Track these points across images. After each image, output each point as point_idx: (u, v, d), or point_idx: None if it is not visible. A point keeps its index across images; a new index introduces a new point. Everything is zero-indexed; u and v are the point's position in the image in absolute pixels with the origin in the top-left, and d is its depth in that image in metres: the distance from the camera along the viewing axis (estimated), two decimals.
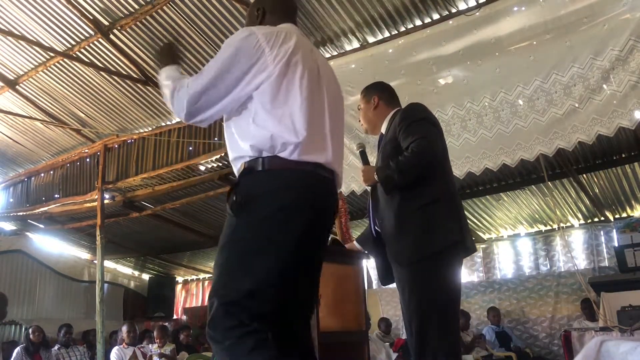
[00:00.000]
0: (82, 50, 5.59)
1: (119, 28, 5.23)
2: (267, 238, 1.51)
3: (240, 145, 1.60)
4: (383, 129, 2.45)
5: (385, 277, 2.40)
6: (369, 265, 7.25)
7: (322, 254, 1.72)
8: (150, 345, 6.03)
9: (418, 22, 4.37)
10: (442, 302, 2.09)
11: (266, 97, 1.58)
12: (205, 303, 10.38)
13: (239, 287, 1.48)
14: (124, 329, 5.98)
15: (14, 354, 5.65)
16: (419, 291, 2.12)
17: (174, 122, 6.35)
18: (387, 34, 4.56)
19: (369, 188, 2.45)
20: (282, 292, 1.52)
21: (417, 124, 2.23)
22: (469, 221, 7.32)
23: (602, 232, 7.13)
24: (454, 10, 4.15)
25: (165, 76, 1.72)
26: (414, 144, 2.15)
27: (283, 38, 1.63)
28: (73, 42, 5.53)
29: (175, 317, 10.34)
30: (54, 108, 6.56)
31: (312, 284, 1.70)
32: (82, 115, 6.59)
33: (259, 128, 1.56)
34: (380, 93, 2.52)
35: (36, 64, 5.90)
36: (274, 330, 1.47)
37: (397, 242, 2.22)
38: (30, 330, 5.86)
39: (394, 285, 2.35)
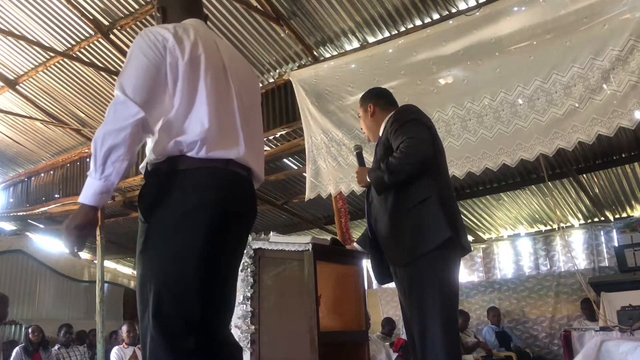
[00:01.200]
0: (82, 50, 5.59)
1: (119, 28, 5.23)
2: (179, 245, 1.45)
3: (149, 149, 1.55)
4: (381, 133, 2.48)
5: (381, 277, 2.43)
6: (369, 265, 7.24)
7: (240, 256, 1.68)
8: None
9: (418, 22, 4.37)
10: (441, 300, 2.09)
11: (172, 95, 1.51)
12: None
13: (163, 299, 1.43)
14: (124, 328, 5.97)
15: (13, 354, 5.64)
16: (417, 291, 2.13)
17: None
18: (387, 34, 4.56)
19: (363, 189, 2.48)
20: (200, 298, 1.45)
21: (406, 125, 2.24)
22: (469, 221, 7.37)
23: (602, 232, 7.13)
24: (454, 10, 4.16)
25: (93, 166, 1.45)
26: (402, 145, 2.17)
27: (182, 33, 1.57)
28: (73, 42, 5.54)
29: None
30: (54, 108, 6.56)
31: (230, 289, 1.62)
32: (82, 115, 6.59)
33: (163, 128, 1.51)
34: (375, 100, 2.54)
35: (36, 64, 5.90)
36: (197, 338, 1.43)
37: (391, 244, 2.24)
38: (29, 330, 5.85)
39: (393, 285, 2.37)
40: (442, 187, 2.26)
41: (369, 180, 2.30)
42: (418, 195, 2.17)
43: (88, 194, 1.41)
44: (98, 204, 1.42)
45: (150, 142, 1.57)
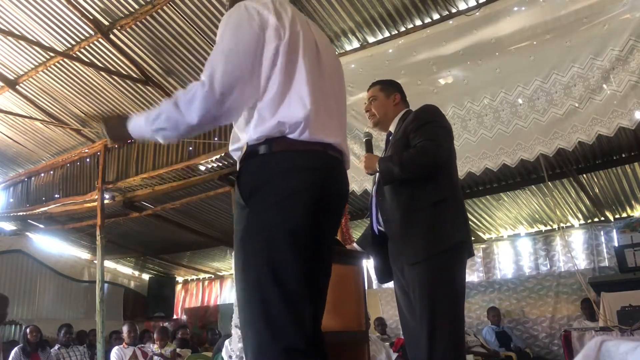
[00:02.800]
0: (82, 50, 5.59)
1: (119, 28, 5.23)
2: (284, 227, 1.38)
3: (244, 129, 1.47)
4: (392, 128, 2.47)
5: (383, 276, 2.42)
6: (369, 265, 7.25)
7: (332, 242, 1.63)
8: (151, 345, 6.04)
9: (418, 22, 4.37)
10: (451, 301, 2.11)
11: (276, 74, 1.44)
12: (205, 303, 10.48)
13: (274, 296, 1.35)
14: (125, 328, 5.97)
15: (12, 355, 5.64)
16: (428, 290, 2.11)
17: None
18: (387, 34, 4.56)
19: (369, 188, 2.46)
20: (306, 287, 1.39)
21: (428, 126, 2.25)
22: (469, 221, 7.38)
23: (602, 232, 7.13)
24: (454, 10, 4.15)
25: (140, 121, 1.51)
26: (421, 144, 2.18)
27: (279, 7, 1.49)
28: (73, 42, 5.53)
29: (175, 317, 10.35)
30: (54, 108, 6.56)
31: (326, 276, 1.58)
32: (82, 115, 6.58)
33: (260, 109, 1.44)
34: (400, 92, 2.56)
35: (36, 64, 5.90)
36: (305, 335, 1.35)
37: (406, 240, 2.21)
38: (27, 330, 5.85)
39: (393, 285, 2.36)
40: (455, 187, 2.29)
41: (376, 168, 2.28)
42: (436, 194, 2.18)
43: (135, 128, 1.52)
44: (133, 137, 1.56)
45: (242, 123, 1.48)
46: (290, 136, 1.42)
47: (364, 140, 2.59)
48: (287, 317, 1.34)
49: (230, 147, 1.56)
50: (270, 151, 1.42)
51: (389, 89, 2.56)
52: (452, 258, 2.14)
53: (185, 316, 10.47)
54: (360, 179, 4.45)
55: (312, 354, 1.35)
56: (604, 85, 3.46)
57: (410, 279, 2.20)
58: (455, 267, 2.16)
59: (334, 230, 1.63)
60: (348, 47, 4.77)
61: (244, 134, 1.47)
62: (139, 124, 1.51)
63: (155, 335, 6.09)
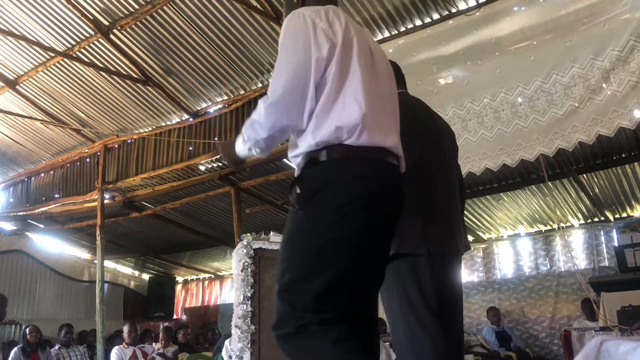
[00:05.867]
0: (82, 50, 5.59)
1: (119, 28, 5.23)
2: (336, 233, 1.41)
3: (302, 136, 1.50)
4: None
5: None
6: None
7: (389, 249, 1.62)
8: (153, 345, 6.04)
9: (418, 22, 4.37)
10: (407, 302, 1.97)
11: (330, 78, 1.47)
12: (205, 303, 10.48)
13: (308, 289, 1.39)
14: (126, 328, 5.97)
15: (11, 355, 5.62)
16: (385, 291, 2.03)
17: (174, 122, 6.35)
18: (387, 34, 4.56)
19: None
20: (352, 291, 1.43)
21: None
22: (469, 221, 7.36)
23: (602, 232, 7.13)
24: (454, 10, 4.16)
25: (239, 142, 1.58)
26: None
27: (332, 14, 1.55)
28: (73, 42, 5.54)
29: (175, 317, 10.35)
30: (54, 108, 6.56)
31: (379, 281, 1.60)
32: (82, 115, 6.59)
33: (318, 115, 1.46)
34: (396, 77, 2.45)
35: (36, 64, 5.90)
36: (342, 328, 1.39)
37: None
38: (27, 331, 5.83)
39: None
40: (420, 193, 2.05)
41: None
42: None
43: (239, 150, 1.60)
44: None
45: (304, 132, 1.51)
46: (348, 142, 1.44)
47: None
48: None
49: (289, 154, 1.57)
50: (329, 158, 1.45)
51: None
52: (404, 265, 1.99)
53: (185, 316, 10.47)
54: None
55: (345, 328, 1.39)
56: (604, 85, 3.46)
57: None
58: (410, 275, 1.99)
59: (391, 236, 1.63)
60: None
61: (303, 141, 1.49)
62: (239, 146, 1.59)
63: (160, 335, 6.10)
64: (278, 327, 1.43)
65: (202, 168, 6.55)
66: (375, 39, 4.61)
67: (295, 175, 1.53)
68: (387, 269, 1.98)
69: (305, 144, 1.48)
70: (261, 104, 1.46)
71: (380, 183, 1.48)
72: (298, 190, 1.46)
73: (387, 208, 1.52)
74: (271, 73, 5.37)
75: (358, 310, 1.48)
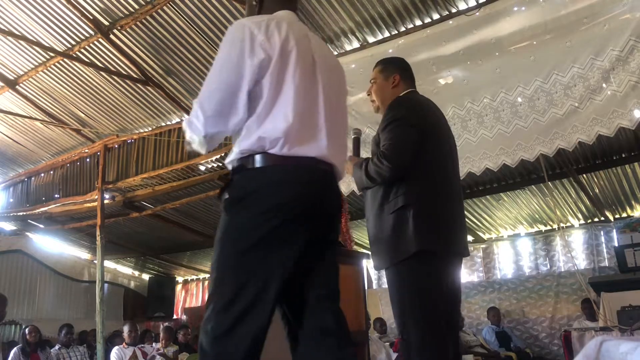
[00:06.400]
0: (82, 50, 5.59)
1: (119, 28, 5.23)
2: (258, 238, 1.45)
3: (235, 143, 1.56)
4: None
5: None
6: (369, 265, 7.25)
7: (330, 252, 1.64)
8: (154, 344, 6.04)
9: (418, 22, 4.37)
10: (421, 305, 2.02)
11: (266, 91, 1.51)
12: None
13: (227, 290, 1.45)
14: (126, 328, 5.97)
15: (11, 355, 5.62)
16: (397, 294, 2.08)
17: (174, 122, 6.35)
18: (387, 34, 4.56)
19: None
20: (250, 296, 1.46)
21: (391, 126, 2.12)
22: (469, 221, 7.37)
23: (602, 232, 7.13)
24: (454, 10, 4.15)
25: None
26: (383, 149, 2.09)
27: (274, 25, 1.55)
28: (73, 42, 5.53)
29: (175, 317, 10.34)
30: (54, 108, 6.56)
31: (332, 280, 1.61)
32: (82, 115, 6.59)
33: (249, 125, 1.51)
34: (402, 71, 2.36)
35: (36, 64, 5.90)
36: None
37: (374, 245, 2.19)
38: (26, 331, 5.83)
39: None
40: (426, 190, 2.12)
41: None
42: (399, 201, 2.08)
43: None
44: None
45: (235, 137, 1.57)
46: (271, 151, 1.49)
47: (352, 137, 2.42)
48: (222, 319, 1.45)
49: (226, 160, 1.63)
50: (252, 166, 1.51)
51: (388, 68, 2.37)
52: (416, 265, 2.02)
53: (185, 316, 10.47)
54: None
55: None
56: (604, 85, 3.46)
57: (386, 280, 2.20)
58: (421, 274, 2.03)
59: (328, 239, 1.65)
60: (348, 47, 4.77)
61: (235, 148, 1.56)
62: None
63: (161, 335, 6.10)
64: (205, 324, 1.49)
65: (202, 168, 6.55)
66: (375, 39, 4.63)
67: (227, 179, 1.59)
68: (397, 271, 2.04)
69: (235, 151, 1.55)
70: (194, 107, 1.52)
71: (305, 188, 1.52)
72: (226, 196, 1.53)
73: (316, 212, 1.55)
74: None
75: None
